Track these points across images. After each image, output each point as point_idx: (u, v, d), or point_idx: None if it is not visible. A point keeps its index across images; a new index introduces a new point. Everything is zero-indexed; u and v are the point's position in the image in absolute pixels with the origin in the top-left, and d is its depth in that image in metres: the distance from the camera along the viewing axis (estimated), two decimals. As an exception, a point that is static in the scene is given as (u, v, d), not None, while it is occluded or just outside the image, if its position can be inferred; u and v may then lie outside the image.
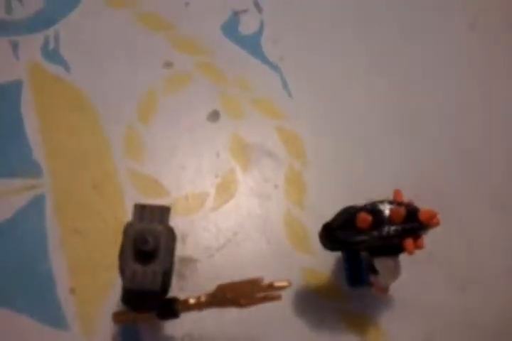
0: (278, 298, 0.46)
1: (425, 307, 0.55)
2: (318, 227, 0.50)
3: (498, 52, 0.70)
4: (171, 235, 0.44)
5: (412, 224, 0.46)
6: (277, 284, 0.45)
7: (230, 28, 0.67)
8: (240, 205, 0.59)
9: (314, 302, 0.55)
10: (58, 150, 0.58)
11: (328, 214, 0.50)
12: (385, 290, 0.51)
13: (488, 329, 0.55)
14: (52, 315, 0.51)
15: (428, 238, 0.49)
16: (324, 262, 0.56)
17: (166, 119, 0.61)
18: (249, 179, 0.60)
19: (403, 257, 0.49)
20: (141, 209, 0.45)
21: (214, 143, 0.61)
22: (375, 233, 0.45)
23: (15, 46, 0.62)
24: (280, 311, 0.54)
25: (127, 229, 0.44)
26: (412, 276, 0.55)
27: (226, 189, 0.59)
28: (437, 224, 0.48)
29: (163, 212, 0.45)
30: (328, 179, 0.61)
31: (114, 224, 0.55)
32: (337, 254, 0.56)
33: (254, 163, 0.61)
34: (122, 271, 0.43)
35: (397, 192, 0.48)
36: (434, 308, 0.55)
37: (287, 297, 0.54)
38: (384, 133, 0.64)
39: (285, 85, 0.65)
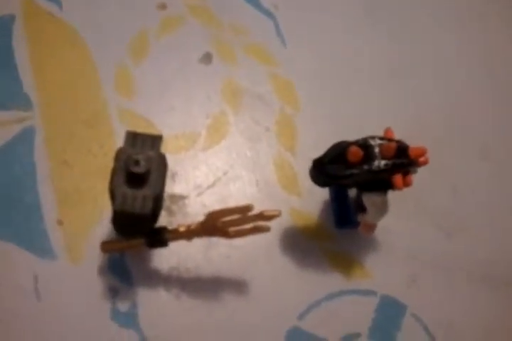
0: (266, 229, 0.47)
1: (410, 251, 0.56)
2: (307, 170, 0.51)
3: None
4: (162, 161, 0.44)
5: (402, 159, 0.46)
6: (267, 213, 0.45)
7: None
8: (230, 146, 0.59)
9: (301, 242, 0.55)
10: (49, 84, 0.57)
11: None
12: (371, 228, 0.52)
13: (471, 274, 0.56)
14: (39, 245, 0.51)
15: (416, 185, 0.49)
16: (312, 204, 0.57)
17: (157, 59, 0.61)
18: (240, 121, 0.60)
19: (391, 202, 0.50)
20: (133, 136, 0.45)
21: (205, 85, 0.61)
22: (365, 167, 0.46)
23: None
24: (268, 250, 0.54)
25: (119, 153, 0.44)
26: (399, 222, 0.56)
27: (217, 130, 0.59)
28: (426, 162, 0.48)
29: (155, 140, 0.45)
30: (320, 124, 0.61)
31: (103, 159, 0.55)
32: (325, 196, 0.57)
33: (245, 106, 0.61)
34: (112, 194, 0.43)
35: (388, 130, 0.48)
36: (419, 252, 0.56)
37: (275, 236, 0.55)
38: (375, 81, 0.64)
39: (279, 33, 0.65)
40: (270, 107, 0.61)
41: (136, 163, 0.42)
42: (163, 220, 0.53)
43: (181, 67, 0.61)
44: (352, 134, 0.49)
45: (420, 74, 0.65)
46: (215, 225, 0.46)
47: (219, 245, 0.53)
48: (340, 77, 0.64)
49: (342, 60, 0.65)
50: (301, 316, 0.52)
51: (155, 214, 0.45)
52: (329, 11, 0.67)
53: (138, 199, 0.42)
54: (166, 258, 0.52)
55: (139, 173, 0.42)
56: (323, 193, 0.56)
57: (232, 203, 0.55)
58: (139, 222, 0.44)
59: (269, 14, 0.66)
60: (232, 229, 0.47)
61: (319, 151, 0.49)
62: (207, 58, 0.62)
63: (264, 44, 0.64)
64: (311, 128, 0.61)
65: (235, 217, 0.46)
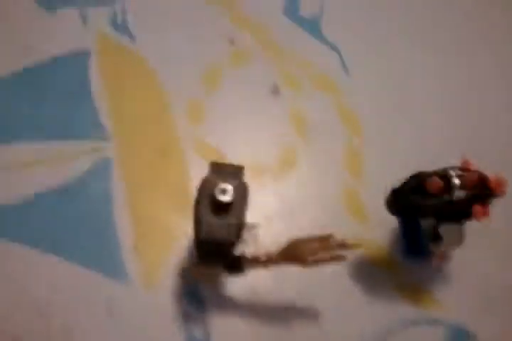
0: (343, 258, 0.47)
1: (478, 282, 0.56)
2: (375, 200, 0.51)
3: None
4: (245, 190, 0.45)
5: (483, 190, 0.47)
6: (350, 242, 0.45)
7: (291, 10, 0.68)
8: (298, 176, 0.59)
9: (369, 272, 0.55)
10: (124, 116, 0.60)
11: (385, 187, 0.50)
12: (445, 258, 0.52)
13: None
14: (115, 270, 0.52)
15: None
16: (379, 233, 0.57)
17: (228, 92, 0.63)
18: (307, 151, 0.61)
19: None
20: (217, 167, 0.46)
21: (274, 116, 0.62)
22: (446, 197, 0.46)
23: (84, 17, 0.64)
24: (337, 279, 0.55)
25: (204, 183, 0.45)
26: (467, 253, 0.56)
27: (286, 160, 0.60)
28: (504, 193, 0.48)
29: (238, 170, 0.46)
30: (385, 154, 0.61)
31: (177, 189, 0.56)
32: (392, 225, 0.57)
33: (312, 136, 0.62)
34: (198, 222, 0.44)
35: (465, 161, 0.49)
36: (487, 284, 0.56)
37: (343, 267, 0.55)
38: (438, 111, 0.64)
39: (343, 64, 0.66)
40: (337, 137, 0.62)
41: (224, 191, 0.43)
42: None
43: (251, 99, 0.63)
44: (416, 162, 0.50)
45: (486, 102, 0.65)
46: (295, 253, 0.46)
47: (289, 274, 0.53)
48: (403, 106, 0.64)
49: (404, 89, 0.65)
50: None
51: (237, 242, 0.46)
52: (391, 43, 0.68)
53: (223, 228, 0.43)
54: (238, 286, 0.52)
55: (226, 202, 0.43)
56: (389, 222, 0.56)
57: (302, 233, 0.56)
58: (223, 250, 0.45)
59: (333, 47, 0.67)
60: (310, 257, 0.47)
61: (385, 181, 0.50)
62: (275, 90, 0.64)
63: (329, 75, 0.65)
64: (377, 159, 0.61)
65: (315, 245, 0.46)
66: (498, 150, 0.62)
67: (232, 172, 0.46)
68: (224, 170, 0.46)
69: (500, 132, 0.64)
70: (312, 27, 0.68)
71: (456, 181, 0.46)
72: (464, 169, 0.48)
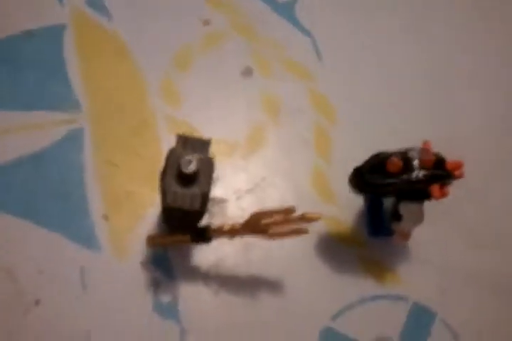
0: (306, 231, 0.49)
1: (440, 262, 0.58)
2: (342, 180, 0.53)
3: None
4: (210, 163, 0.47)
5: (440, 171, 0.48)
6: (308, 215, 0.47)
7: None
8: (268, 155, 0.61)
9: (335, 249, 0.57)
10: (97, 91, 0.60)
11: (352, 168, 0.52)
12: (406, 237, 0.53)
13: (499, 286, 0.57)
14: (85, 237, 0.54)
15: (448, 199, 0.51)
16: (346, 211, 0.59)
17: (201, 72, 0.63)
18: (277, 132, 0.62)
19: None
20: (184, 140, 0.47)
21: (246, 96, 0.63)
22: (404, 176, 0.48)
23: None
24: (303, 255, 0.57)
25: (170, 154, 0.46)
26: (430, 233, 0.58)
27: (256, 139, 0.61)
28: (462, 175, 0.50)
29: (204, 143, 0.48)
30: (354, 137, 0.63)
31: (148, 162, 0.57)
32: (358, 205, 0.58)
33: (283, 117, 0.63)
34: (164, 191, 0.45)
35: (426, 142, 0.50)
36: (449, 263, 0.58)
37: (310, 241, 0.57)
38: (409, 93, 0.65)
39: (317, 49, 0.67)
40: (307, 119, 0.63)
41: (189, 163, 0.44)
42: (204, 221, 0.55)
43: (223, 79, 0.63)
44: (385, 146, 0.51)
45: (457, 87, 0.66)
46: (257, 225, 0.48)
47: (258, 247, 0.55)
48: (375, 93, 0.65)
49: (378, 75, 0.66)
50: (334, 317, 0.54)
51: (202, 212, 0.48)
52: (365, 30, 0.69)
53: (187, 197, 0.45)
54: (207, 255, 0.54)
55: (190, 173, 0.44)
56: (356, 202, 0.58)
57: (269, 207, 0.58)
58: (187, 218, 0.46)
59: (307, 32, 0.68)
60: (272, 230, 0.49)
61: (353, 161, 0.52)
62: (248, 72, 0.64)
63: (301, 59, 0.66)
64: (345, 140, 0.62)
65: (277, 218, 0.48)
66: (466, 136, 0.64)
67: (199, 145, 0.47)
68: (191, 143, 0.47)
69: (471, 120, 0.65)
70: (287, 12, 0.68)
71: (415, 161, 0.48)
72: (424, 150, 0.49)
